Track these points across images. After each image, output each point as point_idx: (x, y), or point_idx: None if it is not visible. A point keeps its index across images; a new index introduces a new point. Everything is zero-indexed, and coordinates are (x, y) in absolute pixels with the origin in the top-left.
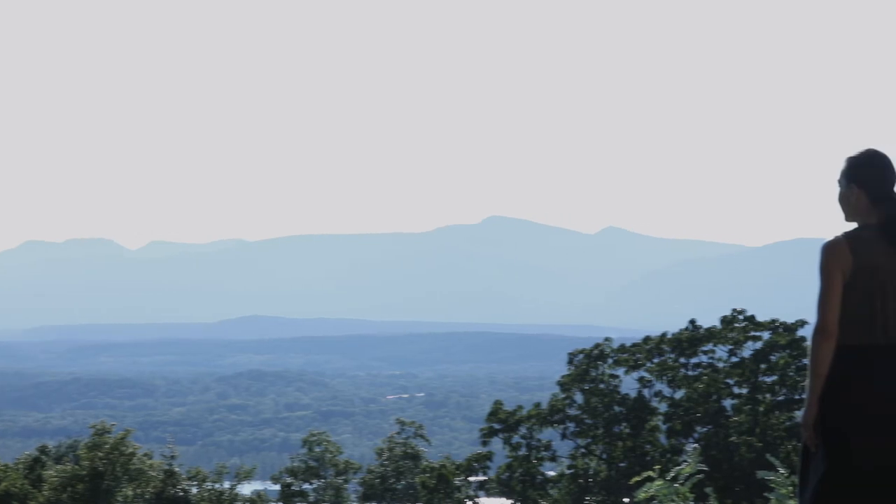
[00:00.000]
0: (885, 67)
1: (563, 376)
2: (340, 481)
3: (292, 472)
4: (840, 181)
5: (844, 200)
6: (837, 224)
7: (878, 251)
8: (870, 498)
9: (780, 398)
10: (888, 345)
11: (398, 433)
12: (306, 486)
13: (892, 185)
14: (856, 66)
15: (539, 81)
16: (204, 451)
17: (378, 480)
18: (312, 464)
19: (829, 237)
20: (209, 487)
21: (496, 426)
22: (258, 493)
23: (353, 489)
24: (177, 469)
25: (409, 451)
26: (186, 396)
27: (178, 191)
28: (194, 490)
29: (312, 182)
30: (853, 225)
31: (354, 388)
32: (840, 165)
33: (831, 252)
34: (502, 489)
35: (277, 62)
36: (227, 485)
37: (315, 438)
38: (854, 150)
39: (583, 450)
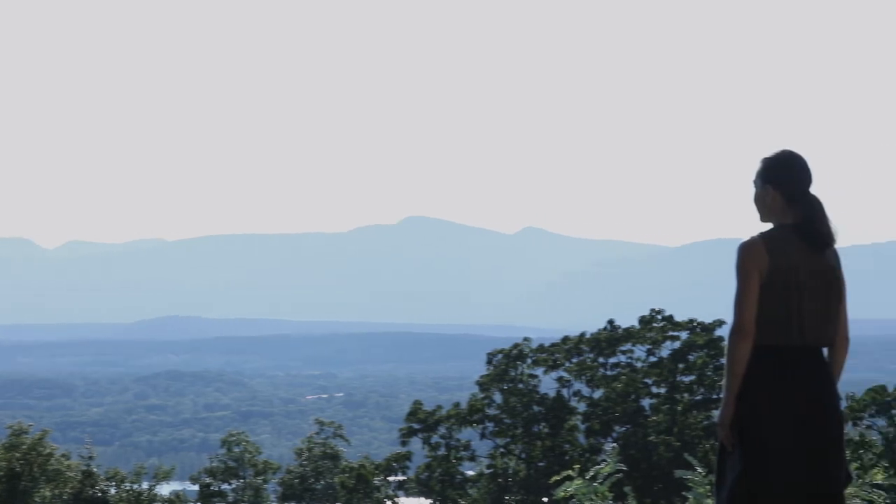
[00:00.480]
0: (795, 70)
1: (482, 376)
2: (259, 481)
3: (211, 473)
4: (755, 182)
5: (760, 201)
6: (754, 224)
7: (794, 251)
8: (785, 497)
9: (698, 398)
10: (804, 345)
11: (317, 433)
12: (225, 486)
13: (807, 186)
14: (767, 67)
15: (456, 80)
16: (122, 452)
17: (297, 480)
18: (231, 464)
19: (746, 237)
20: (127, 488)
21: (415, 426)
22: (177, 494)
23: (272, 489)
24: (95, 470)
25: (328, 451)
26: (104, 397)
27: (95, 190)
28: (112, 491)
29: (231, 182)
30: (769, 225)
31: (273, 389)
32: (755, 166)
33: (748, 252)
34: (421, 489)
35: (190, 60)
36: (145, 485)
37: (234, 439)
38: (769, 151)
39: (502, 449)
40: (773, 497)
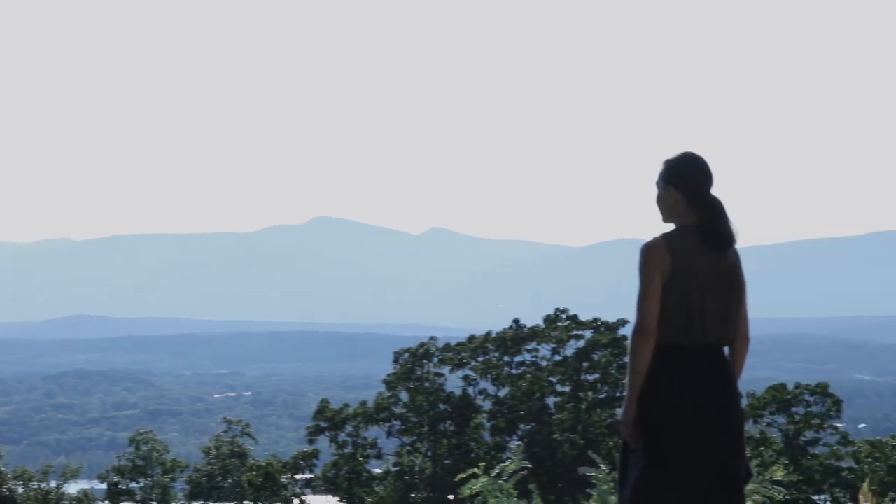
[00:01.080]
0: (695, 70)
1: (388, 375)
2: (167, 480)
3: (119, 471)
4: (658, 183)
5: (662, 202)
6: (656, 225)
7: (696, 252)
8: (687, 494)
9: (602, 396)
10: (706, 344)
11: (225, 432)
12: (133, 484)
13: (709, 187)
14: (666, 69)
15: (361, 82)
16: (30, 451)
17: (205, 479)
18: (139, 463)
19: (649, 238)
20: (35, 487)
21: (322, 424)
22: (85, 492)
23: (179, 487)
24: (2, 469)
25: (235, 449)
26: (12, 396)
27: (1, 189)
28: (20, 489)
29: (139, 181)
30: (672, 226)
31: (182, 388)
32: (657, 168)
33: (650, 253)
34: (329, 487)
35: (93, 58)
36: (53, 484)
37: (142, 437)
38: (671, 153)
39: (408, 447)
40: (675, 494)
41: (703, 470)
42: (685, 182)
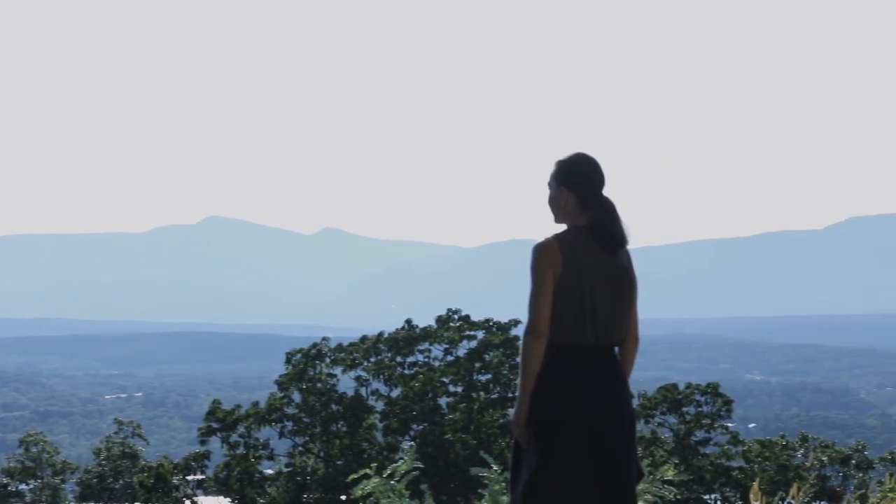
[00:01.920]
0: (589, 72)
1: (280, 376)
2: (57, 481)
3: (8, 473)
4: (550, 184)
5: (554, 203)
6: (548, 226)
7: (588, 252)
8: (578, 494)
9: (494, 396)
10: (597, 344)
11: (116, 433)
12: (23, 486)
13: (601, 187)
14: (562, 70)
15: (252, 81)
16: None
17: (96, 480)
18: (29, 464)
19: (541, 239)
20: None
21: (214, 425)
22: None
23: (70, 489)
24: None
25: (127, 450)
26: None
27: None
28: None
29: (29, 181)
30: (564, 227)
31: (72, 389)
32: (549, 169)
33: (542, 253)
34: (220, 488)
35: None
36: None
37: (32, 438)
38: (563, 154)
39: (301, 448)
40: (567, 494)
41: (594, 470)
42: (577, 182)
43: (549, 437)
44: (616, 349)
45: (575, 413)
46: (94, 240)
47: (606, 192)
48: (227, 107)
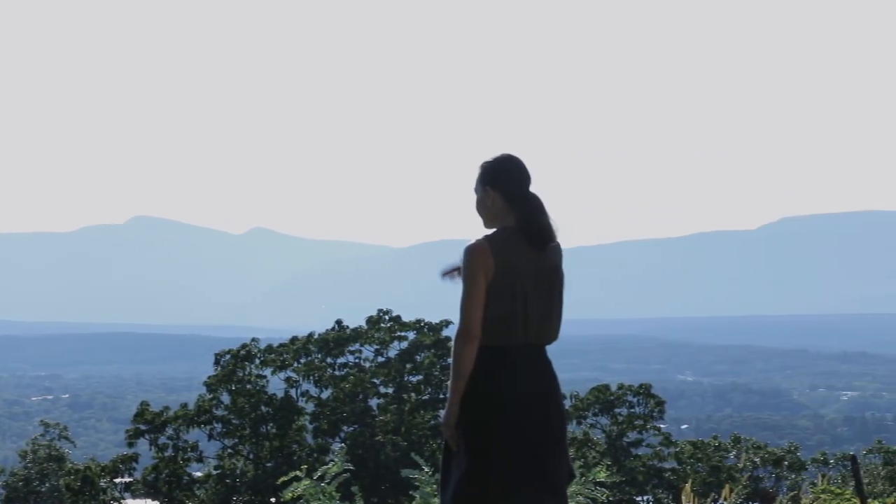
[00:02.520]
0: (521, 72)
1: (209, 377)
2: None
3: None
4: (476, 188)
5: (481, 205)
6: (479, 226)
7: (518, 252)
8: (509, 495)
9: (426, 397)
10: (529, 345)
11: (42, 435)
12: None
13: (527, 186)
14: (495, 69)
15: (181, 80)
16: None
17: (21, 483)
18: None
19: (472, 240)
20: None
21: (142, 427)
22: None
23: None
24: None
25: (53, 453)
26: None
27: None
28: None
29: None
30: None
31: None
32: (475, 171)
33: (473, 255)
34: (148, 490)
35: None
36: None
37: None
38: (488, 156)
39: (230, 450)
40: (497, 495)
41: (525, 471)
42: (503, 182)
43: (479, 439)
44: (546, 349)
45: (506, 415)
46: (21, 239)
47: (535, 189)
48: (156, 106)
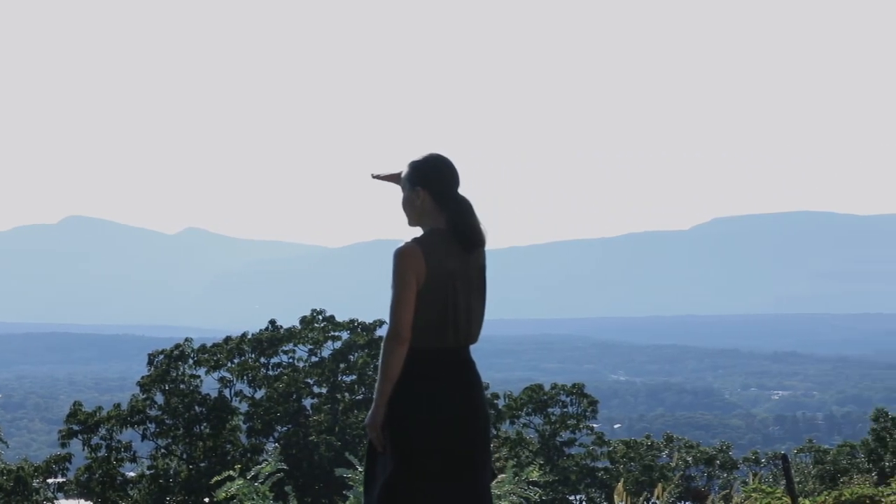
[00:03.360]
0: (446, 71)
1: (143, 377)
2: None
3: None
4: (403, 185)
5: (409, 204)
6: (409, 228)
7: (449, 254)
8: (434, 497)
9: (359, 397)
10: (458, 346)
11: None
12: None
13: (456, 187)
14: (428, 69)
15: (113, 79)
16: None
17: None
18: None
19: (402, 243)
20: None
21: (75, 427)
22: None
23: None
24: None
25: None
26: None
27: None
28: None
29: None
30: (420, 230)
31: None
32: (404, 171)
33: (404, 258)
34: (81, 490)
35: None
36: None
37: None
38: (417, 155)
39: (163, 450)
40: (423, 497)
41: (450, 472)
42: (433, 182)
43: (405, 440)
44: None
45: (432, 416)
46: None
47: (462, 190)
48: (89, 105)
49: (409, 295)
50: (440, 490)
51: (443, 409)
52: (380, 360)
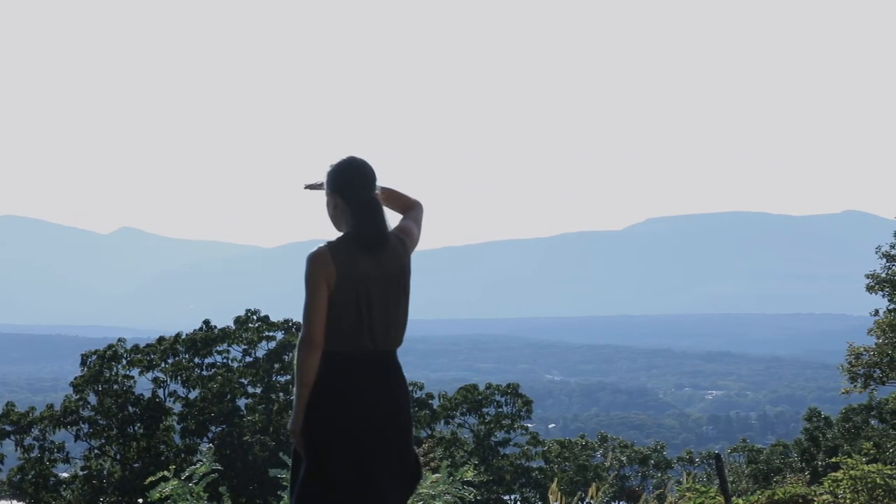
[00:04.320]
0: (382, 70)
1: (76, 377)
2: None
3: None
4: (326, 190)
5: (328, 209)
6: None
7: (360, 257)
8: (349, 500)
9: (293, 398)
10: (374, 350)
11: None
12: None
13: (364, 190)
14: (375, 69)
15: (46, 78)
16: None
17: None
18: None
19: (314, 248)
20: None
21: (8, 428)
22: None
23: None
24: None
25: None
26: None
27: None
28: None
29: None
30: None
31: None
32: (325, 175)
33: (314, 263)
34: (14, 492)
35: None
36: None
37: None
38: (335, 159)
39: (97, 451)
40: (338, 501)
41: (368, 476)
42: (342, 185)
43: (322, 444)
44: (395, 353)
45: (347, 421)
46: None
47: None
48: (25, 102)
49: (320, 299)
50: (356, 495)
51: (360, 412)
52: (294, 366)
